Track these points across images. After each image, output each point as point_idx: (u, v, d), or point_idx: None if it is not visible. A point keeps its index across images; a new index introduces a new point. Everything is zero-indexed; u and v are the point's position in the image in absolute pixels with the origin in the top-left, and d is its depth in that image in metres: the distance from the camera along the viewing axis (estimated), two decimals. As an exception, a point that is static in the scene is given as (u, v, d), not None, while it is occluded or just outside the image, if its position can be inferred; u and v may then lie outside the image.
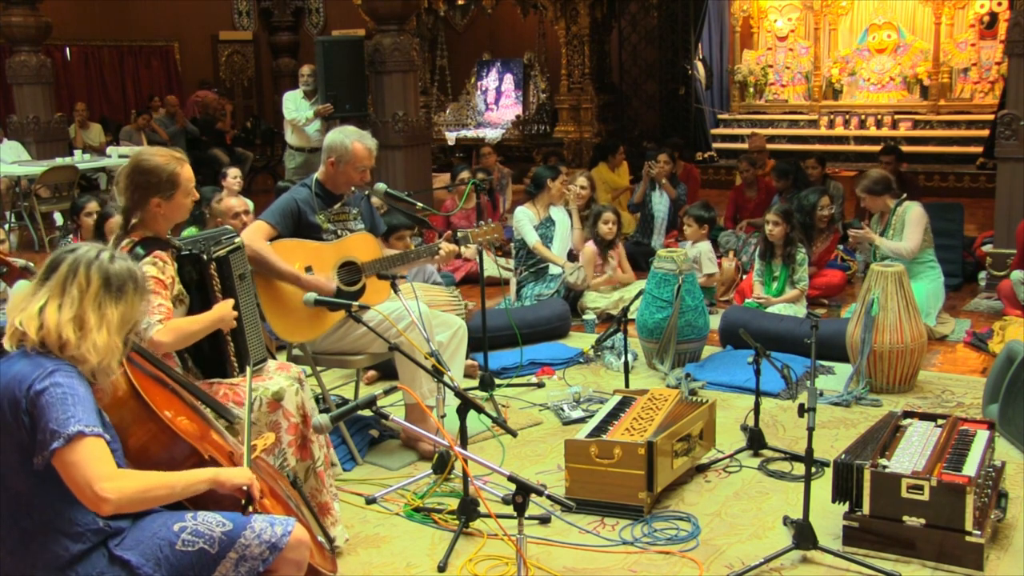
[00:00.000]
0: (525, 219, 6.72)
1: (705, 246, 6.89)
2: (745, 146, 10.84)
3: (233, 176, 7.33)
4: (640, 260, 7.34)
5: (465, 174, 8.35)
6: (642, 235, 8.36)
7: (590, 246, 6.79)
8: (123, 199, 3.19)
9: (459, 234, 4.45)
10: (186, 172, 3.22)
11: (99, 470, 2.18)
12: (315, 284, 4.09)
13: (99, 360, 2.28)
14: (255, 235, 4.11)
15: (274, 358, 3.85)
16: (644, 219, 8.43)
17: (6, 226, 9.35)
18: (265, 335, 4.62)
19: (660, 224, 8.27)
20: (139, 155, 3.22)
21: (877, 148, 9.32)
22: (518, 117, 14.94)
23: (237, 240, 3.46)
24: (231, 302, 3.28)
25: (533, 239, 6.65)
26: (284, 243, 4.16)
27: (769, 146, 10.49)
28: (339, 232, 4.34)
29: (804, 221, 6.77)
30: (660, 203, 8.32)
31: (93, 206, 6.11)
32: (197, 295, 3.29)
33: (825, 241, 7.05)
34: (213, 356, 3.33)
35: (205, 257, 3.28)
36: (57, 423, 2.16)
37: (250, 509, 2.39)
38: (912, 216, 5.89)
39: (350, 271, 4.28)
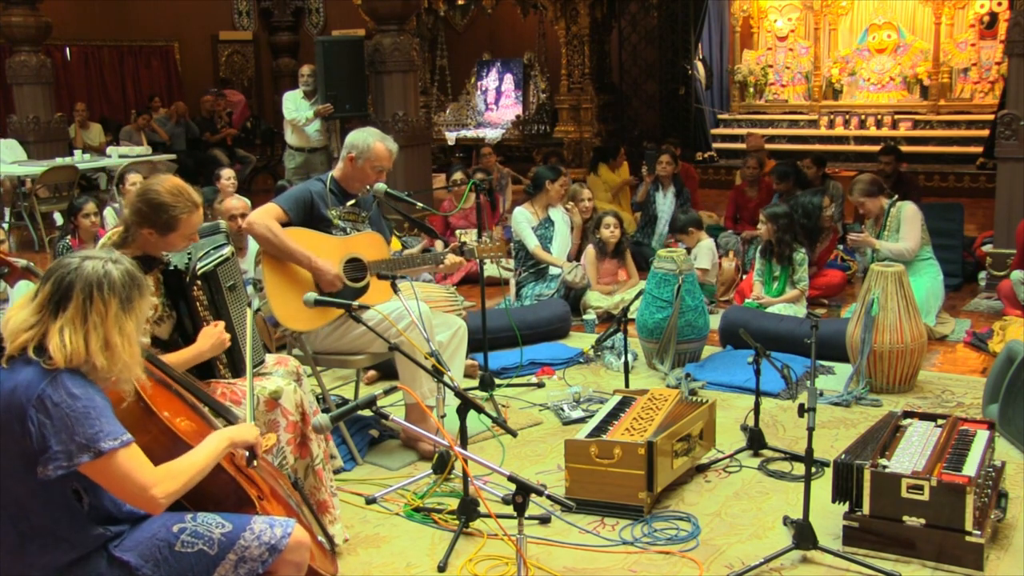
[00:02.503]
0: (524, 222, 6.72)
1: (704, 243, 6.91)
2: (745, 146, 10.85)
3: (227, 177, 7.34)
4: (640, 260, 7.35)
5: (459, 174, 8.35)
6: (643, 235, 8.36)
7: (591, 248, 6.80)
8: (126, 212, 3.22)
9: (465, 247, 4.46)
10: (191, 219, 3.18)
11: (144, 478, 2.24)
12: (324, 270, 4.11)
13: (129, 373, 2.29)
14: (267, 216, 4.13)
15: (271, 352, 3.85)
16: (647, 219, 8.45)
17: (5, 225, 9.35)
18: (265, 331, 4.61)
19: (663, 225, 8.29)
20: (155, 184, 3.19)
21: (877, 148, 9.31)
22: (518, 117, 14.94)
23: (226, 251, 3.40)
24: (216, 331, 3.20)
25: (533, 243, 6.65)
26: (294, 231, 4.17)
27: (769, 146, 10.50)
28: (348, 230, 4.35)
29: (809, 224, 6.76)
30: (664, 204, 8.34)
31: (91, 207, 6.11)
32: (185, 308, 3.26)
33: (824, 241, 7.05)
34: (202, 365, 3.29)
35: (188, 278, 3.23)
36: (86, 438, 2.16)
37: (255, 463, 2.58)
38: (907, 215, 5.90)
39: (355, 268, 4.29)
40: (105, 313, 2.27)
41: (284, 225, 4.17)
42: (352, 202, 4.39)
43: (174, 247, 3.22)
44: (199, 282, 3.27)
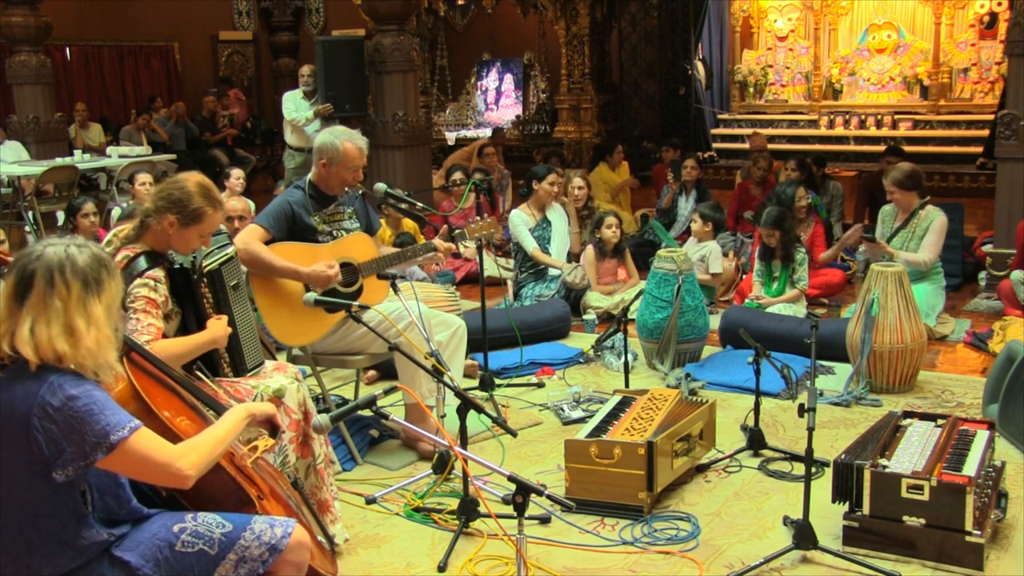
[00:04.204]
0: (521, 224, 6.72)
1: (713, 245, 6.91)
2: (746, 146, 10.84)
3: (236, 177, 7.34)
4: (643, 261, 7.36)
5: (458, 175, 8.36)
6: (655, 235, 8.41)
7: (591, 249, 6.79)
8: (149, 203, 3.25)
9: (455, 231, 4.45)
10: (213, 218, 3.24)
11: (164, 456, 2.26)
12: (317, 275, 4.09)
13: (95, 361, 2.24)
14: (250, 238, 4.10)
15: (274, 359, 3.85)
16: (666, 222, 8.52)
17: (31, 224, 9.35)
18: (264, 338, 4.61)
19: (681, 227, 8.38)
20: (188, 176, 3.27)
21: (877, 148, 9.33)
22: (518, 117, 14.94)
23: (229, 250, 3.46)
24: (223, 321, 3.26)
25: (531, 246, 6.65)
26: (280, 247, 4.15)
27: (769, 146, 10.49)
28: (334, 233, 4.33)
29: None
30: (686, 208, 8.51)
31: (90, 207, 6.13)
32: (190, 308, 3.28)
33: (806, 231, 7.00)
34: (207, 363, 3.32)
35: (195, 275, 3.27)
36: (95, 435, 2.16)
37: (279, 435, 2.77)
38: (937, 225, 5.82)
39: (347, 272, 4.27)
40: (68, 296, 2.23)
41: (269, 242, 4.15)
42: (334, 204, 4.38)
43: (188, 245, 3.24)
44: (205, 280, 3.31)
